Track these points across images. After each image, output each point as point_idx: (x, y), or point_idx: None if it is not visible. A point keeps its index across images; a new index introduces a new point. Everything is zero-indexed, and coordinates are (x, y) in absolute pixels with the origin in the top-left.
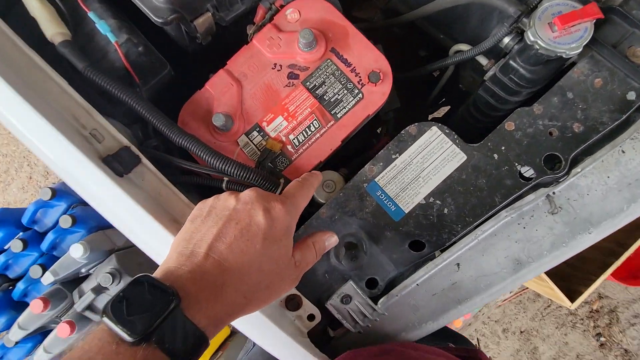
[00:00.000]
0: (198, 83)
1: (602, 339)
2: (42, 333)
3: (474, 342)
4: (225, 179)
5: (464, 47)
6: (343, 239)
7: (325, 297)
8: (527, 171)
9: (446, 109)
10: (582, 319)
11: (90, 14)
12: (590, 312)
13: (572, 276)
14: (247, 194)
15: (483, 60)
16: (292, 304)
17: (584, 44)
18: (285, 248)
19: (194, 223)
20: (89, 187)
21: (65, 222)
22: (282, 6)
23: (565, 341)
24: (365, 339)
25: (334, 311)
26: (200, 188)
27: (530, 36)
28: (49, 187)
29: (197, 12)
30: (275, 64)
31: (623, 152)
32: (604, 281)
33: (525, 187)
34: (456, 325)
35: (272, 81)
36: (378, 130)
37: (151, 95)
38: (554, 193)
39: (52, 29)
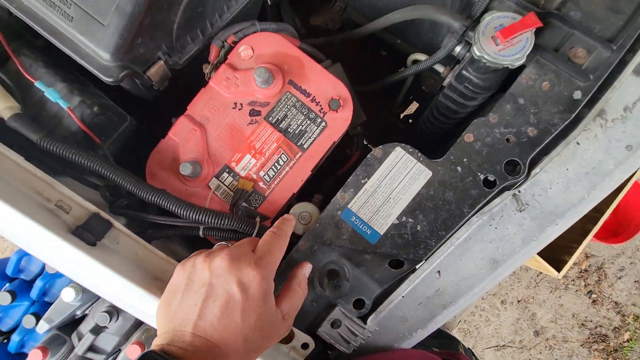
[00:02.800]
0: (165, 127)
1: (594, 295)
2: None
3: (475, 317)
4: (202, 226)
5: (420, 56)
6: (325, 268)
7: (316, 324)
8: (490, 178)
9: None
10: (573, 280)
11: (37, 84)
12: (580, 272)
13: (554, 245)
14: (219, 264)
15: (440, 68)
16: (284, 338)
17: (527, 54)
18: (267, 312)
19: (175, 297)
20: (63, 262)
21: None
22: (234, 42)
23: (560, 303)
24: (361, 353)
25: (326, 337)
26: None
27: (476, 51)
28: None
29: (149, 63)
30: (235, 103)
31: (578, 143)
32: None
33: (489, 194)
34: None
35: (235, 121)
36: (348, 151)
37: (116, 150)
38: (519, 192)
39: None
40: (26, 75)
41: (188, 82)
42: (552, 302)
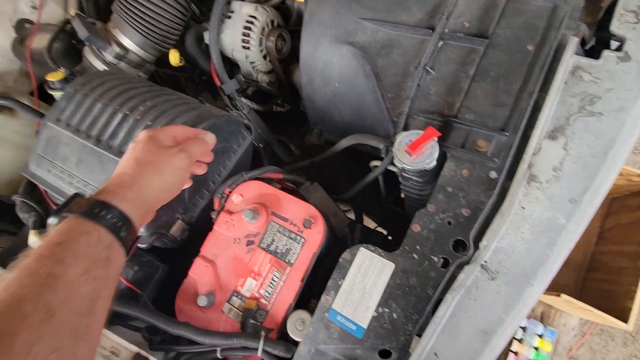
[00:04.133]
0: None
1: None
2: None
3: None
4: (219, 348)
5: (377, 162)
6: None
7: None
8: (443, 259)
9: None
10: None
11: None
12: None
13: (613, 293)
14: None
15: (394, 169)
16: None
17: (436, 157)
18: (153, 143)
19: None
20: None
21: None
22: (230, 192)
23: None
24: None
25: None
26: None
27: (397, 163)
28: None
29: (171, 224)
30: (235, 239)
31: (523, 208)
32: None
33: (447, 273)
34: None
35: (236, 252)
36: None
37: (154, 293)
38: (485, 262)
39: None
40: None
41: (203, 226)
42: None
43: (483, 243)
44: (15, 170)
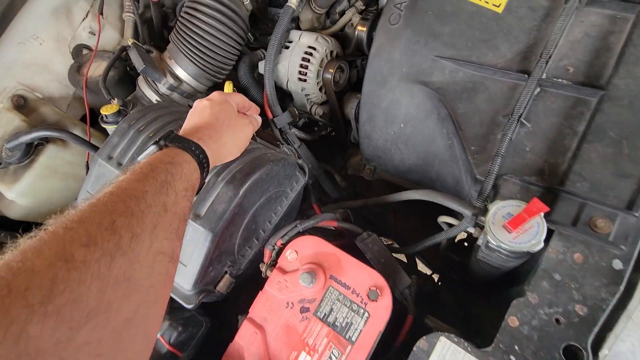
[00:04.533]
0: (233, 315)
1: None
2: None
3: None
4: None
5: (447, 219)
6: None
7: None
8: None
9: None
10: None
11: None
12: None
13: None
14: (212, 95)
15: (472, 229)
16: None
17: (543, 239)
18: (227, 107)
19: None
20: None
21: None
22: (283, 244)
23: None
24: None
25: None
26: None
27: (492, 241)
28: None
29: (218, 279)
30: (287, 303)
31: None
32: None
33: None
34: None
35: (289, 319)
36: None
37: (196, 349)
38: None
39: None
40: None
41: (249, 275)
42: None
43: (604, 352)
44: (63, 199)
